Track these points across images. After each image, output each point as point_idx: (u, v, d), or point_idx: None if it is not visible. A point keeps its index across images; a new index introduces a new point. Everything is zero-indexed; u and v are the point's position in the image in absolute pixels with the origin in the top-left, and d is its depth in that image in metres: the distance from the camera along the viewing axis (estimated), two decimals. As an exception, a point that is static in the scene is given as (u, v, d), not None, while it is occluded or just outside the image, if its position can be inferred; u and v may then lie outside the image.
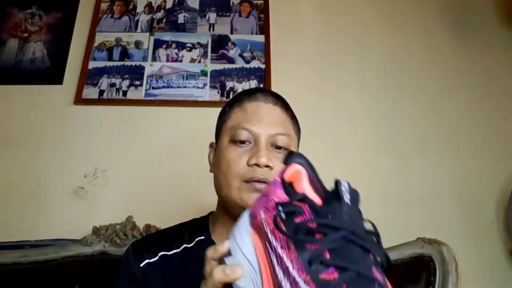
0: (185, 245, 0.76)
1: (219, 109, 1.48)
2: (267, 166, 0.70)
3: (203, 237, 0.77)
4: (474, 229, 1.37)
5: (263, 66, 1.58)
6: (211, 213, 0.85)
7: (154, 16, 1.69)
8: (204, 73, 1.57)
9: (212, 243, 0.75)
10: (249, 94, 0.79)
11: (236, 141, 0.73)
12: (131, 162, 1.41)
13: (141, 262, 0.73)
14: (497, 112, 1.56)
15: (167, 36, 1.65)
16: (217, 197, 0.81)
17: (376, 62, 1.63)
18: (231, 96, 1.53)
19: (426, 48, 1.66)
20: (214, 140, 0.84)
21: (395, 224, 1.34)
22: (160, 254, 0.73)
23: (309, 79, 1.59)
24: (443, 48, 1.66)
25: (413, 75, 1.61)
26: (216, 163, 0.77)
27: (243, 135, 0.73)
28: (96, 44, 1.62)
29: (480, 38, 1.67)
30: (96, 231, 1.16)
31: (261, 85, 1.54)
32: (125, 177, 1.39)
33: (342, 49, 1.64)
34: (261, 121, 0.74)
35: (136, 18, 1.68)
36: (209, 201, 1.34)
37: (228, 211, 0.75)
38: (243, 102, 0.78)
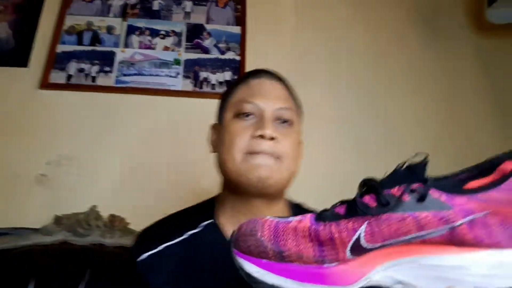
0: (190, 231, 0.73)
1: (192, 100, 1.48)
2: (272, 138, 0.68)
3: (209, 221, 0.74)
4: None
5: (238, 58, 1.56)
6: (214, 197, 0.81)
7: (128, 1, 1.64)
8: (177, 62, 1.54)
9: (218, 227, 0.73)
10: (253, 73, 0.79)
11: (241, 115, 0.72)
12: (98, 150, 1.37)
13: (144, 254, 0.70)
14: (466, 111, 1.59)
15: (141, 23, 1.61)
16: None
17: (351, 58, 1.63)
18: (204, 87, 1.51)
19: (399, 47, 1.68)
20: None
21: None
22: (164, 245, 0.70)
23: (284, 73, 1.57)
24: (416, 49, 1.68)
25: (386, 74, 1.63)
26: (220, 141, 0.75)
27: (248, 107, 0.72)
28: (65, 27, 1.55)
29: (449, 41, 1.70)
30: (57, 220, 1.12)
31: (235, 77, 1.53)
32: (91, 166, 1.34)
33: (316, 44, 1.64)
34: (266, 95, 0.73)
35: (108, 2, 1.63)
36: (181, 193, 1.32)
37: (234, 189, 0.72)
38: (248, 79, 0.77)
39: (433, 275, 0.42)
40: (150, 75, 1.51)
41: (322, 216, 0.44)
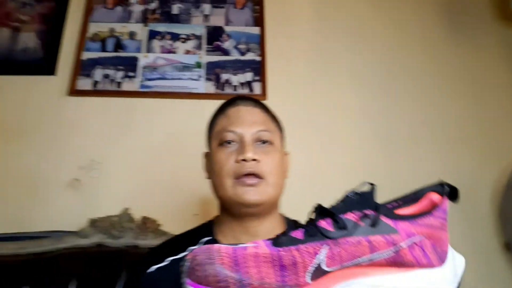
0: (191, 248, 0.78)
1: (214, 101, 1.48)
2: (254, 160, 0.75)
3: (207, 238, 0.80)
4: (469, 223, 1.39)
5: (258, 59, 1.59)
6: (213, 219, 0.88)
7: (148, 7, 1.67)
8: (199, 65, 1.57)
9: (216, 242, 0.78)
10: (230, 102, 0.86)
11: (223, 143, 0.79)
12: (127, 154, 1.41)
13: (151, 268, 0.76)
14: (491, 107, 1.58)
15: (161, 27, 1.64)
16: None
17: (371, 55, 1.64)
18: (226, 89, 1.53)
19: (422, 42, 1.67)
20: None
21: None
22: (170, 258, 0.76)
23: (305, 71, 1.59)
24: (439, 43, 1.67)
25: (408, 70, 1.62)
26: (210, 168, 0.83)
27: (229, 136, 0.79)
28: (89, 35, 1.60)
29: (475, 34, 1.69)
30: (92, 223, 1.16)
31: (257, 78, 1.55)
32: (121, 169, 1.39)
33: (337, 41, 1.65)
34: (243, 122, 0.80)
35: (129, 9, 1.67)
36: (206, 193, 1.35)
37: (228, 211, 0.80)
38: (225, 110, 0.84)
39: None
40: (173, 78, 1.55)
41: (279, 241, 0.44)
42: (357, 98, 1.56)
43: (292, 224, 0.84)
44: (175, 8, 1.68)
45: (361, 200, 0.47)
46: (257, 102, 0.87)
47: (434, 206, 0.51)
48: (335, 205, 0.47)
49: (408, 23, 1.70)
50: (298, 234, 0.45)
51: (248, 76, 1.56)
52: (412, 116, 1.55)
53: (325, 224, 0.45)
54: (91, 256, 1.12)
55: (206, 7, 1.69)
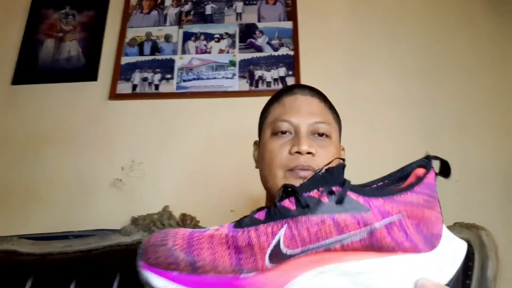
0: None
1: (249, 99, 1.51)
2: (309, 153, 0.71)
3: None
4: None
5: (291, 53, 1.57)
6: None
7: (182, 9, 1.70)
8: (232, 63, 1.58)
9: None
10: (286, 90, 0.81)
11: (277, 133, 0.75)
12: (166, 154, 1.45)
13: None
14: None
15: (196, 28, 1.67)
16: (259, 190, 0.82)
17: (412, 41, 1.57)
18: (260, 85, 1.53)
19: (466, 25, 1.58)
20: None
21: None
22: None
23: (340, 64, 1.56)
24: (484, 26, 1.58)
25: (452, 54, 1.55)
26: (260, 157, 0.79)
27: (283, 126, 0.75)
28: (127, 40, 1.65)
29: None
30: (134, 221, 1.20)
31: (290, 72, 1.53)
32: (160, 169, 1.43)
33: (375, 30, 1.59)
34: (300, 112, 0.75)
35: (164, 12, 1.71)
36: (242, 191, 1.36)
37: None
38: (281, 98, 0.80)
39: (356, 282, 0.41)
40: (208, 78, 1.57)
41: (241, 223, 0.41)
42: (399, 87, 1.51)
43: None
44: (208, 9, 1.70)
45: (328, 177, 0.43)
46: (315, 91, 0.81)
47: (418, 180, 0.45)
48: (303, 183, 0.43)
49: (450, 5, 1.62)
50: (260, 215, 0.42)
51: (282, 71, 1.55)
52: (458, 101, 1.48)
53: (288, 203, 0.42)
54: (134, 253, 1.15)
55: (239, 5, 1.69)
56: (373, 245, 0.41)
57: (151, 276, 0.39)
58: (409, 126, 1.46)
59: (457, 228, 1.04)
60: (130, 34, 1.67)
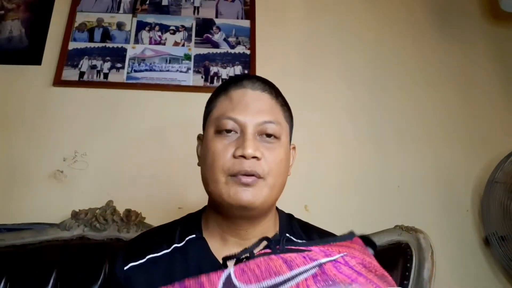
0: (175, 245, 0.72)
1: (202, 94, 1.47)
2: (254, 157, 0.65)
3: (193, 236, 0.73)
4: (450, 218, 1.41)
5: (248, 52, 1.57)
6: (201, 210, 0.80)
7: (137, -3, 1.64)
8: (187, 57, 1.55)
9: (203, 241, 0.72)
10: (235, 81, 0.73)
11: (221, 131, 0.68)
12: (112, 146, 1.39)
13: (126, 265, 0.69)
14: (478, 103, 1.59)
15: (150, 18, 1.62)
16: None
17: (363, 50, 1.63)
18: (215, 82, 1.51)
19: (412, 38, 1.67)
20: (200, 129, 0.79)
21: (374, 212, 1.37)
22: (148, 256, 0.70)
23: (295, 66, 1.58)
24: (428, 40, 1.67)
25: (400, 64, 1.62)
26: (203, 157, 0.72)
27: (228, 124, 0.68)
28: (76, 24, 1.57)
29: (464, 31, 1.69)
30: (75, 215, 1.14)
31: (246, 71, 1.53)
32: (105, 161, 1.37)
33: (329, 36, 1.64)
34: (247, 109, 0.69)
35: (118, -1, 1.64)
36: (190, 186, 1.34)
37: (217, 207, 0.71)
38: (228, 90, 0.72)
39: None
40: (161, 70, 1.53)
41: None
42: (349, 92, 1.56)
43: (286, 222, 0.78)
44: (165, -1, 1.66)
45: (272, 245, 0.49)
46: (267, 84, 0.74)
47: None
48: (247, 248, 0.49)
49: (399, 19, 1.70)
50: None
51: (237, 69, 1.54)
52: (399, 112, 1.55)
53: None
54: (73, 249, 1.10)
55: (197, -1, 1.66)
56: (327, 280, 0.41)
57: None
58: (357, 130, 1.51)
59: (397, 230, 1.10)
60: (80, 18, 1.58)
